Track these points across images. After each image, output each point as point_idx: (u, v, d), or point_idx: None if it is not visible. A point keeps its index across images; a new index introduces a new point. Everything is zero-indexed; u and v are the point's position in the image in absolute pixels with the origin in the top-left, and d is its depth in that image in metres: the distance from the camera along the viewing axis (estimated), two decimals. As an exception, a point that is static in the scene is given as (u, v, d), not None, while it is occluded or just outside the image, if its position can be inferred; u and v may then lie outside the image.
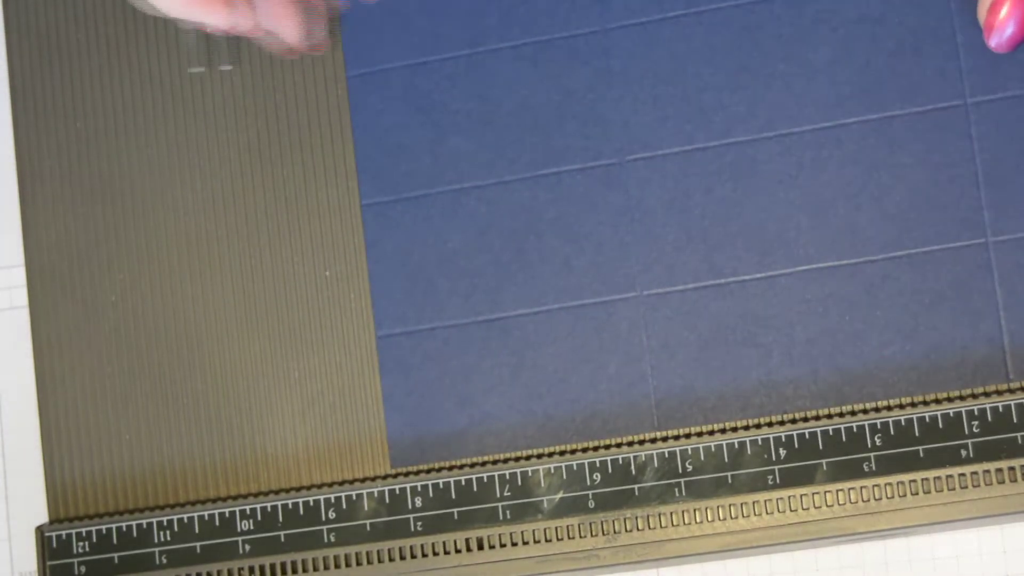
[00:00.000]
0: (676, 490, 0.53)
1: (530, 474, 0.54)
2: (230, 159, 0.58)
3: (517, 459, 0.55)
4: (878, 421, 0.52)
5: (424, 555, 0.55)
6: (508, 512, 0.54)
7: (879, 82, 0.54)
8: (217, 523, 0.56)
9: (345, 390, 0.57)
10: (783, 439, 0.53)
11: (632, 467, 0.54)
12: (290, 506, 0.56)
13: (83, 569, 0.56)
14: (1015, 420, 0.52)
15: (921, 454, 0.52)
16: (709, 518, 0.53)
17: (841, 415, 0.53)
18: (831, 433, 0.53)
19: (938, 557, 0.53)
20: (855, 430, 0.52)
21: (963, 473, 0.52)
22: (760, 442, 0.53)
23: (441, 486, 0.55)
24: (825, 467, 0.53)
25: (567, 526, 0.54)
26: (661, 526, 0.53)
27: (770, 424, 0.54)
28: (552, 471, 0.54)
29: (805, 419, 0.54)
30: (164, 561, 0.56)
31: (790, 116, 0.54)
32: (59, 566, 0.56)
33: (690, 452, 0.53)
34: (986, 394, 0.53)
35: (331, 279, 0.57)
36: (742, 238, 0.54)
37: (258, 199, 0.58)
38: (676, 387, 0.54)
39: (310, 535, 0.55)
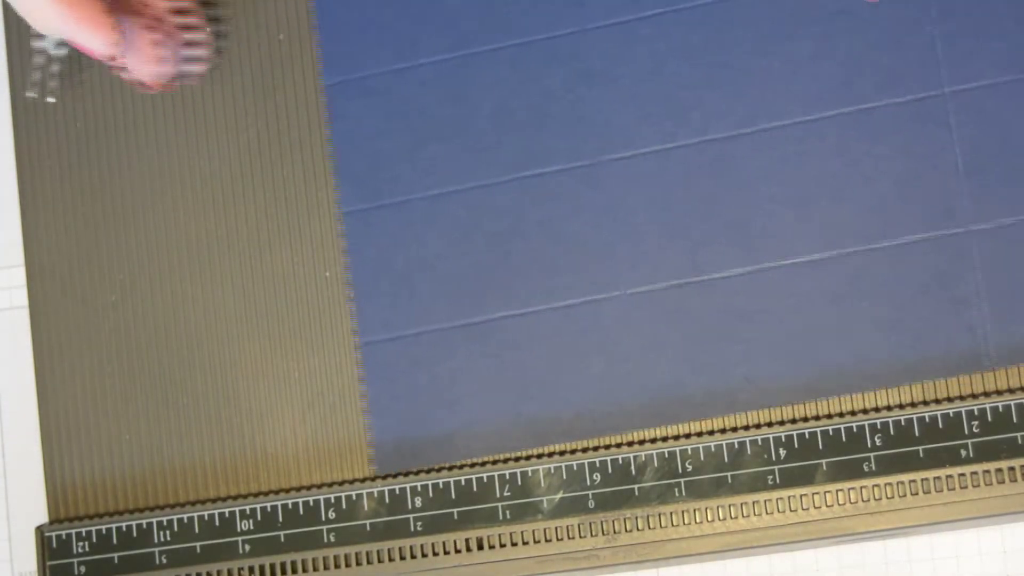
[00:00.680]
0: (676, 490, 0.53)
1: (530, 474, 0.54)
2: (230, 160, 0.58)
3: (517, 459, 0.55)
4: (878, 421, 0.52)
5: (424, 555, 0.55)
6: (508, 512, 0.54)
7: (858, 75, 0.54)
8: (217, 523, 0.56)
9: (345, 391, 0.57)
10: (783, 439, 0.53)
11: (632, 467, 0.54)
12: (290, 506, 0.56)
13: (83, 569, 0.56)
14: (1015, 420, 0.52)
15: (921, 454, 0.52)
16: (709, 518, 0.53)
17: (841, 415, 0.53)
18: (831, 433, 0.53)
19: (938, 557, 0.53)
20: (855, 430, 0.52)
21: (963, 473, 0.52)
22: (760, 442, 0.53)
23: (441, 486, 0.55)
24: (825, 467, 0.53)
25: (567, 526, 0.54)
26: (661, 526, 0.53)
27: (770, 424, 0.54)
28: (552, 471, 0.54)
29: (805, 419, 0.53)
30: (164, 561, 0.56)
31: (770, 111, 0.54)
32: (59, 566, 0.56)
33: (690, 452, 0.53)
34: (986, 394, 0.53)
35: (331, 280, 0.57)
36: (724, 234, 0.54)
37: (258, 200, 0.58)
38: (663, 384, 0.54)
39: (310, 535, 0.55)
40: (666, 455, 0.53)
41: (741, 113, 0.54)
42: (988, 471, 0.52)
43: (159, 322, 0.58)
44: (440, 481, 0.55)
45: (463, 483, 0.55)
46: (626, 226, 0.55)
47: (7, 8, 0.60)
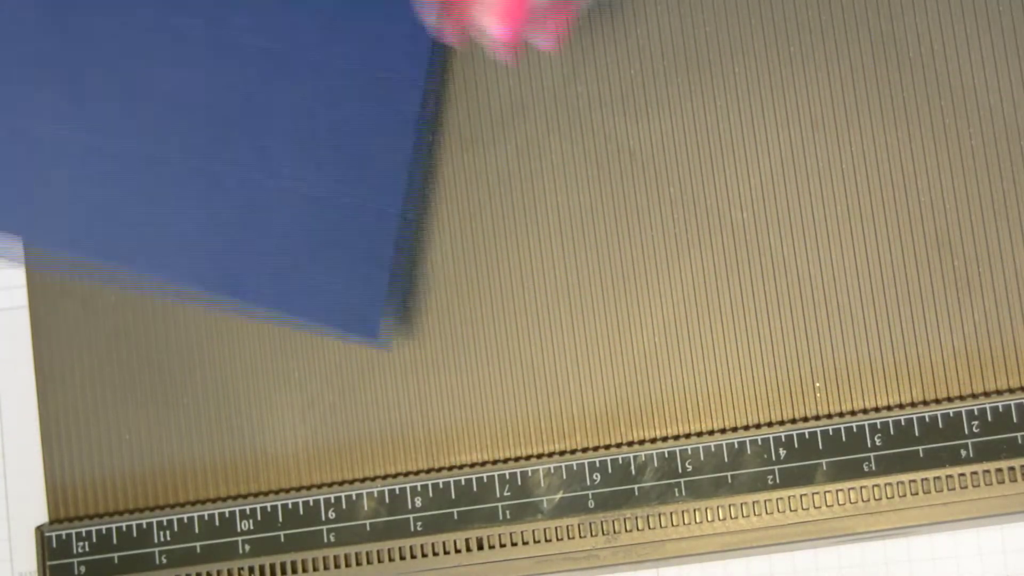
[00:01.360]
0: (676, 490, 0.53)
1: (530, 474, 0.54)
2: (230, 159, 0.58)
3: (517, 459, 0.55)
4: (878, 421, 0.52)
5: (424, 555, 0.55)
6: (508, 512, 0.54)
7: None
8: (217, 523, 0.56)
9: (345, 390, 0.57)
10: (783, 439, 0.53)
11: (632, 467, 0.54)
12: (290, 506, 0.56)
13: (83, 569, 0.56)
14: (1015, 420, 0.52)
15: (921, 454, 0.52)
16: (709, 518, 0.53)
17: (841, 415, 0.53)
18: (831, 433, 0.53)
19: (938, 557, 0.53)
20: (855, 430, 0.52)
21: (963, 473, 0.52)
22: (760, 442, 0.53)
23: (441, 486, 0.55)
24: (825, 467, 0.53)
25: (567, 526, 0.54)
26: (661, 526, 0.53)
27: (770, 424, 0.54)
28: (552, 471, 0.54)
29: (805, 419, 0.54)
30: (164, 561, 0.56)
31: None
32: (59, 566, 0.56)
33: (690, 452, 0.53)
34: (986, 394, 0.53)
35: (331, 279, 0.57)
36: None
37: (258, 199, 0.58)
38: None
39: (310, 535, 0.55)
40: (666, 455, 0.54)
41: None
42: (988, 471, 0.52)
43: (159, 322, 0.58)
44: (440, 481, 0.55)
45: (463, 483, 0.55)
46: None
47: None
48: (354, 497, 0.55)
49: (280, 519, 0.56)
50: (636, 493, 0.54)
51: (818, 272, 0.54)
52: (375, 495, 0.55)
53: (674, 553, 0.53)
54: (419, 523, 0.55)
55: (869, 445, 0.52)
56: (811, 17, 0.55)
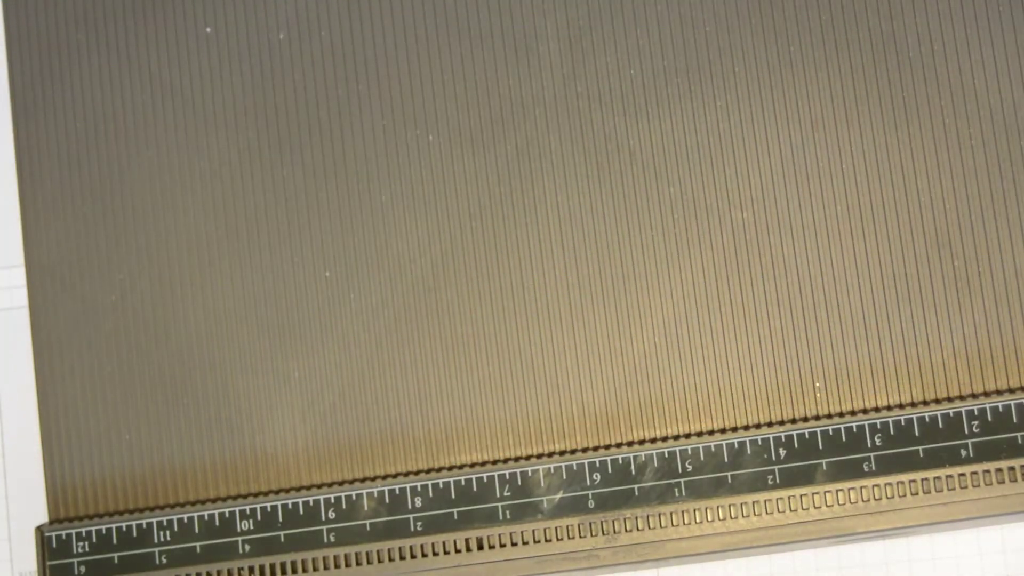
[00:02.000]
0: (676, 490, 0.53)
1: (530, 474, 0.54)
2: (230, 159, 0.58)
3: (517, 459, 0.55)
4: (878, 421, 0.52)
5: (424, 555, 0.55)
6: (508, 512, 0.54)
7: None
8: (217, 523, 0.56)
9: (345, 390, 0.57)
10: (783, 439, 0.53)
11: (632, 467, 0.54)
12: (290, 506, 0.56)
13: (83, 569, 0.56)
14: (1015, 420, 0.52)
15: (921, 454, 0.52)
16: (709, 518, 0.53)
17: (841, 415, 0.53)
18: (831, 433, 0.53)
19: (938, 557, 0.53)
20: (855, 430, 0.52)
21: (963, 473, 0.52)
22: (760, 442, 0.53)
23: (441, 486, 0.55)
24: (825, 467, 0.53)
25: (567, 526, 0.54)
26: (661, 526, 0.53)
27: (770, 424, 0.54)
28: (552, 471, 0.54)
29: (805, 419, 0.54)
30: (164, 561, 0.56)
31: None
32: (59, 566, 0.56)
33: (690, 452, 0.53)
34: (986, 394, 0.53)
35: (331, 279, 0.57)
36: None
37: (258, 199, 0.58)
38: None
39: (310, 535, 0.55)
40: (666, 455, 0.54)
41: None
42: (988, 471, 0.52)
43: (159, 322, 0.58)
44: (440, 481, 0.55)
45: (463, 483, 0.55)
46: None
47: (7, 8, 0.60)
48: (354, 497, 0.55)
49: (280, 519, 0.56)
50: (636, 493, 0.54)
51: (818, 272, 0.54)
52: (375, 495, 0.55)
53: (674, 553, 0.53)
54: (419, 523, 0.55)
55: (869, 445, 0.52)
56: (811, 17, 0.55)
